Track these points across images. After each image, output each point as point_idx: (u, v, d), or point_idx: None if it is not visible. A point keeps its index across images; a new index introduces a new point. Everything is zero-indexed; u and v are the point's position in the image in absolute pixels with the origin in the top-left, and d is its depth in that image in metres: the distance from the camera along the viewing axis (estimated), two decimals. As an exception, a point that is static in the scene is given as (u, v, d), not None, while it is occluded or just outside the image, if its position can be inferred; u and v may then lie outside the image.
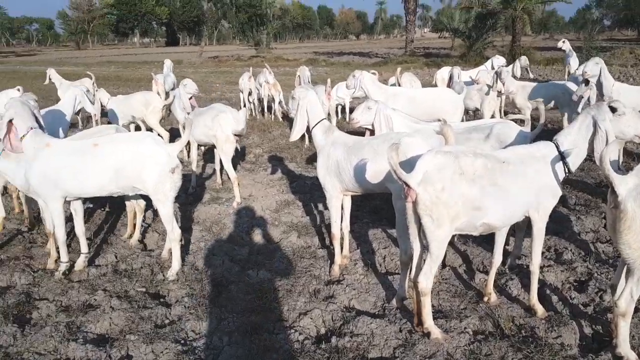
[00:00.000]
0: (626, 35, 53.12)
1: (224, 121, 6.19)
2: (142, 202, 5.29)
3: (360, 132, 5.20)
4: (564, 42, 15.50)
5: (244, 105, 12.19)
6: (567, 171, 3.45)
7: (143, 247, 5.20)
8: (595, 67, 7.09)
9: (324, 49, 54.15)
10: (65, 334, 3.59)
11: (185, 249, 4.94)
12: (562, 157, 3.42)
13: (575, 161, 3.47)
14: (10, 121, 4.23)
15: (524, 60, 12.89)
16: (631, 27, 53.94)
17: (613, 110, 3.47)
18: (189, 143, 6.52)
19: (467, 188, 3.16)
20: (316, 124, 4.46)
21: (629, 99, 6.48)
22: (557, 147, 3.45)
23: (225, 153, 6.25)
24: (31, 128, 4.35)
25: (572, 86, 7.98)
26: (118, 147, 4.30)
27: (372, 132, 5.05)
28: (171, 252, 4.53)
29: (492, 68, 11.55)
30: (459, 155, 3.22)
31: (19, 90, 8.98)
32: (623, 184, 2.82)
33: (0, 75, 27.26)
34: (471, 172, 3.18)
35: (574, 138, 3.46)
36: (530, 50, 27.79)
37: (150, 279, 4.40)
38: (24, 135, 4.28)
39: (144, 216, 5.52)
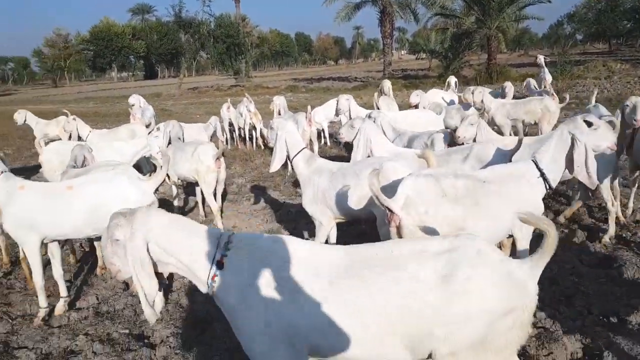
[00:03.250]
0: (598, 48, 54.51)
1: (203, 154, 6.16)
2: None
3: (342, 156, 5.20)
4: (537, 57, 15.77)
5: (224, 135, 12.17)
6: (547, 187, 3.46)
7: (125, 286, 5.07)
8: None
9: (303, 75, 54.65)
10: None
11: (168, 286, 4.83)
12: (541, 174, 3.43)
13: (555, 177, 3.49)
14: None
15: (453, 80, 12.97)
16: (602, 41, 55.43)
17: (588, 124, 3.52)
18: (168, 177, 6.45)
19: (450, 209, 3.15)
20: (297, 154, 4.44)
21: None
22: (536, 164, 3.46)
23: (207, 184, 6.20)
24: (1, 172, 4.26)
25: (549, 102, 8.14)
26: (91, 189, 4.22)
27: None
28: (154, 291, 4.41)
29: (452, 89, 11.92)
30: (440, 178, 3.22)
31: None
32: None
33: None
34: (453, 192, 3.18)
35: (551, 154, 3.48)
36: (506, 67, 28.32)
37: (133, 320, 4.27)
38: None
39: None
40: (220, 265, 2.30)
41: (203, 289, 2.37)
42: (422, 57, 63.34)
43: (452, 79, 12.61)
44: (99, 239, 5.19)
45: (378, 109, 8.95)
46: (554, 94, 9.20)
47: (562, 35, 72.51)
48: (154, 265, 2.39)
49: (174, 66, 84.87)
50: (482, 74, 27.08)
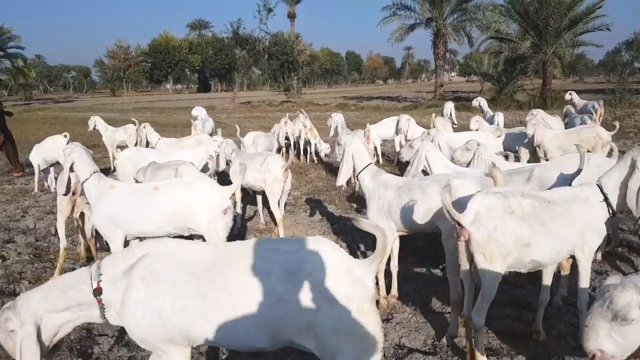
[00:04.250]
0: (658, 77, 52.81)
1: (272, 164, 6.49)
2: None
3: (395, 174, 5.40)
4: (570, 94, 15.24)
5: (282, 148, 12.56)
6: (610, 213, 3.51)
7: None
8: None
9: (352, 93, 55.15)
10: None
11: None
12: (605, 198, 3.49)
13: (619, 202, 3.54)
14: (72, 166, 4.56)
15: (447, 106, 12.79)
16: (662, 70, 53.69)
17: None
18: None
19: (517, 226, 3.29)
20: (363, 168, 4.67)
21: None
22: (601, 188, 3.54)
23: (273, 193, 6.52)
24: (94, 172, 4.66)
25: (600, 130, 8.05)
26: (175, 191, 4.58)
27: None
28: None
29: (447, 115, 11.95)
30: (508, 196, 3.37)
31: (65, 136, 9.51)
32: None
33: (42, 121, 28.58)
34: (520, 211, 3.32)
35: (616, 180, 3.54)
36: (560, 93, 27.82)
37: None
38: (86, 179, 4.60)
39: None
40: (98, 291, 2.60)
41: (101, 320, 2.68)
42: (473, 80, 62.82)
43: (449, 105, 12.50)
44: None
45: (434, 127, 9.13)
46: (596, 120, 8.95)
47: (619, 63, 70.50)
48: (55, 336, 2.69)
49: (226, 80, 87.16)
50: (537, 98, 26.71)
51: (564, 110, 11.93)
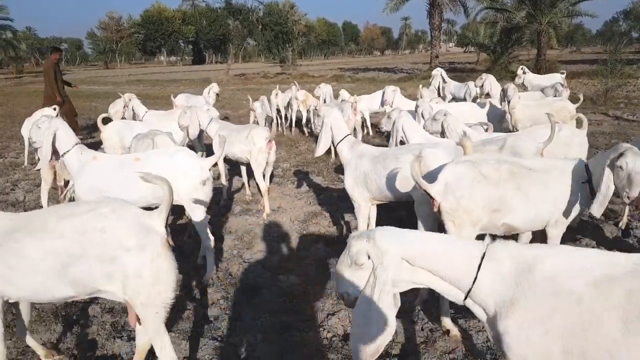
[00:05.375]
0: (655, 47, 52.44)
1: (256, 136, 6.55)
2: None
3: (384, 145, 5.47)
4: (522, 68, 14.78)
5: (272, 121, 12.54)
6: (590, 193, 3.41)
7: (179, 253, 5.50)
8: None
9: (349, 65, 54.72)
10: (111, 332, 3.90)
11: (219, 257, 5.24)
12: (589, 180, 3.42)
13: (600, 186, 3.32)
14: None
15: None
16: (660, 39, 53.21)
17: None
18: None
19: (488, 192, 3.36)
20: (341, 140, 4.73)
21: None
22: (587, 168, 3.47)
23: (258, 164, 6.59)
24: (75, 144, 4.71)
25: (568, 103, 8.03)
26: (155, 161, 4.64)
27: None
28: (205, 259, 4.83)
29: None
30: (481, 163, 3.45)
31: (55, 109, 9.46)
32: None
33: (33, 94, 28.31)
34: (495, 176, 3.39)
35: (600, 169, 3.34)
36: (555, 64, 27.71)
37: (188, 284, 4.69)
38: (67, 151, 4.65)
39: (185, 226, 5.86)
40: None
41: None
42: (470, 50, 62.29)
43: (437, 72, 12.40)
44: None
45: (421, 97, 9.16)
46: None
47: (616, 33, 69.85)
48: None
49: (221, 52, 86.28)
50: (531, 69, 26.59)
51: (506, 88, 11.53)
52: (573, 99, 8.85)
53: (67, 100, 12.49)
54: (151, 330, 2.79)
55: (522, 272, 2.04)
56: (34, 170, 7.98)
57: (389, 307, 2.09)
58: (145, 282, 2.67)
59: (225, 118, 14.59)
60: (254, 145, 6.55)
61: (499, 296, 2.07)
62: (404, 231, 2.25)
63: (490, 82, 10.31)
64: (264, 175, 6.77)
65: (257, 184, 6.89)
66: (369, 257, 2.16)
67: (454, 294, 2.19)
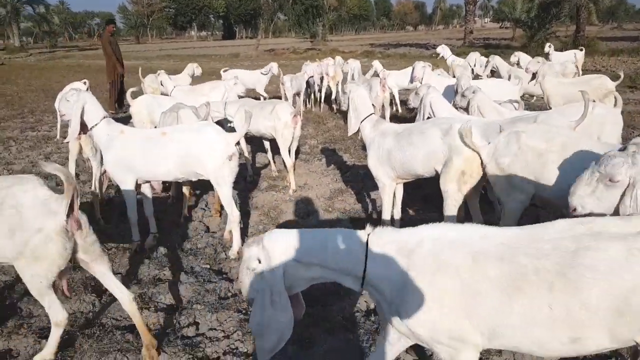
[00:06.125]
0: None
1: (281, 111, 6.52)
2: None
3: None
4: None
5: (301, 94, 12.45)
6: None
7: (206, 228, 5.56)
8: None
9: (380, 40, 53.86)
10: (138, 302, 3.96)
11: (244, 232, 5.27)
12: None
13: None
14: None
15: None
16: None
17: None
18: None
19: (531, 162, 3.45)
20: (365, 118, 4.65)
21: None
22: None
23: (284, 139, 6.59)
24: (104, 117, 4.74)
25: (607, 80, 7.70)
26: (182, 136, 4.66)
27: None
28: (231, 233, 4.86)
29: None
30: (532, 133, 3.53)
31: (85, 83, 9.57)
32: None
33: (66, 68, 28.80)
34: (543, 147, 3.41)
35: None
36: (594, 41, 26.71)
37: (213, 257, 4.75)
38: (96, 124, 4.68)
39: (206, 201, 5.92)
40: None
41: None
42: (506, 26, 60.53)
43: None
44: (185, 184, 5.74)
45: (453, 76, 8.94)
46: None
47: (663, 8, 66.77)
48: None
49: (251, 27, 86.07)
50: (569, 46, 25.71)
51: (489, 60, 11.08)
52: (613, 76, 8.50)
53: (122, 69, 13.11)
54: (36, 295, 3.02)
55: (406, 255, 2.16)
56: (65, 143, 8.13)
57: (283, 308, 2.23)
58: (36, 259, 2.88)
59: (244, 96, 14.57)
60: (279, 120, 6.53)
61: (389, 280, 2.17)
62: (292, 232, 2.35)
63: (495, 63, 10.11)
64: (289, 151, 6.75)
65: (283, 161, 6.88)
66: (260, 262, 2.25)
67: (351, 284, 2.29)
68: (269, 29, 72.69)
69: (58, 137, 10.09)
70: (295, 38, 66.68)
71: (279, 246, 2.27)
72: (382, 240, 2.22)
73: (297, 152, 8.82)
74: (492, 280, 2.03)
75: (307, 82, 12.45)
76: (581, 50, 13.63)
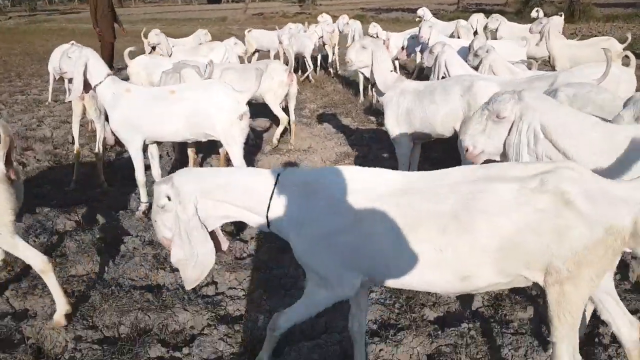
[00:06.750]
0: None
1: (274, 70, 6.50)
2: None
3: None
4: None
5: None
6: None
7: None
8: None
9: (370, 4, 52.83)
10: (153, 263, 3.90)
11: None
12: None
13: None
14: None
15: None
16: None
17: None
18: None
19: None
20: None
21: None
22: None
23: (277, 96, 6.60)
24: (108, 75, 4.56)
25: (615, 42, 7.67)
26: (192, 94, 4.50)
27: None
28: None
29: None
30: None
31: (72, 44, 9.21)
32: None
33: (49, 32, 27.96)
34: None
35: None
36: (590, 6, 26.46)
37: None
38: (100, 82, 4.49)
39: (210, 164, 5.79)
40: None
41: None
42: (498, -9, 59.69)
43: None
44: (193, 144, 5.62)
45: (458, 37, 8.79)
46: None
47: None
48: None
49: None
50: (564, 12, 25.41)
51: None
52: (620, 38, 8.43)
53: (109, 35, 12.09)
54: (8, 248, 3.03)
55: (307, 196, 2.22)
56: (66, 102, 7.87)
57: (202, 241, 2.29)
58: None
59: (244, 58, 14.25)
60: (273, 79, 6.43)
61: (288, 220, 2.24)
62: (203, 170, 2.44)
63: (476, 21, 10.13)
64: (287, 110, 6.76)
65: (287, 127, 6.82)
66: (169, 199, 2.27)
67: (257, 222, 2.33)
68: (256, -7, 70.98)
69: (49, 100, 9.81)
70: (282, 2, 65.20)
71: (188, 184, 2.29)
72: (289, 181, 2.28)
73: (298, 115, 8.67)
74: (385, 223, 2.09)
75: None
76: (560, 16, 13.31)
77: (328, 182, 2.25)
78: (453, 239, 2.02)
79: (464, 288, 2.17)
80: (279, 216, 2.27)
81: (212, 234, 2.39)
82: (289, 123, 6.82)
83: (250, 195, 2.30)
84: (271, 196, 2.26)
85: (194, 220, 2.27)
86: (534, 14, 13.44)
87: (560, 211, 1.93)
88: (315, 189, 2.24)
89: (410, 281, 2.17)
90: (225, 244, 2.55)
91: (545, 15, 13.48)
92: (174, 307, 3.31)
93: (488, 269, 2.05)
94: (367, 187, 2.19)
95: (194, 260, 2.32)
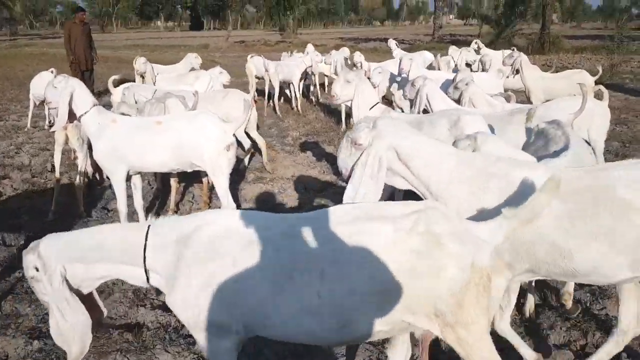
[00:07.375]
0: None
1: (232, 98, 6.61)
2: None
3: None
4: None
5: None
6: None
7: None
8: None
9: (349, 34, 53.84)
10: (133, 300, 3.83)
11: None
12: None
13: None
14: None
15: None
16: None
17: None
18: None
19: None
20: (371, 107, 4.60)
21: None
22: None
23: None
24: (94, 105, 4.53)
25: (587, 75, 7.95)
26: (177, 125, 4.50)
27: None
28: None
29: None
30: None
31: (52, 72, 9.14)
32: None
33: (30, 57, 27.69)
34: None
35: None
36: (559, 38, 27.39)
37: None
38: (85, 112, 4.45)
39: (193, 194, 5.76)
40: None
41: None
42: (471, 23, 61.37)
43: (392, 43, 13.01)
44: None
45: (439, 69, 8.99)
46: None
47: (617, 9, 68.92)
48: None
49: (219, 18, 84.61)
50: (535, 43, 26.24)
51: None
52: (591, 71, 8.69)
53: (83, 62, 11.87)
54: None
55: (182, 242, 2.12)
56: (51, 132, 7.78)
57: (73, 314, 2.20)
58: None
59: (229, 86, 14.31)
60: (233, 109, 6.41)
61: (165, 268, 2.15)
62: (68, 234, 2.31)
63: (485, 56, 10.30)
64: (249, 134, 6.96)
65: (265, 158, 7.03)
66: (37, 270, 2.19)
67: (138, 279, 2.24)
68: (238, 21, 71.86)
69: (29, 126, 9.69)
70: (264, 30, 65.95)
71: (54, 251, 2.20)
72: (162, 229, 2.21)
73: (281, 143, 8.71)
74: (263, 270, 2.03)
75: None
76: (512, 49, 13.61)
77: (204, 227, 2.16)
78: (331, 284, 1.97)
79: (344, 337, 2.11)
80: (155, 268, 2.19)
81: (91, 300, 2.33)
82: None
83: (124, 251, 2.22)
84: (145, 249, 2.18)
85: (59, 292, 2.18)
86: (473, 45, 13.88)
87: (432, 252, 1.93)
88: (190, 234, 2.14)
89: (289, 331, 2.10)
90: (102, 311, 2.49)
91: (516, 47, 13.91)
92: (154, 349, 3.23)
93: (369, 315, 2.00)
94: (246, 232, 2.12)
95: (72, 332, 2.23)
